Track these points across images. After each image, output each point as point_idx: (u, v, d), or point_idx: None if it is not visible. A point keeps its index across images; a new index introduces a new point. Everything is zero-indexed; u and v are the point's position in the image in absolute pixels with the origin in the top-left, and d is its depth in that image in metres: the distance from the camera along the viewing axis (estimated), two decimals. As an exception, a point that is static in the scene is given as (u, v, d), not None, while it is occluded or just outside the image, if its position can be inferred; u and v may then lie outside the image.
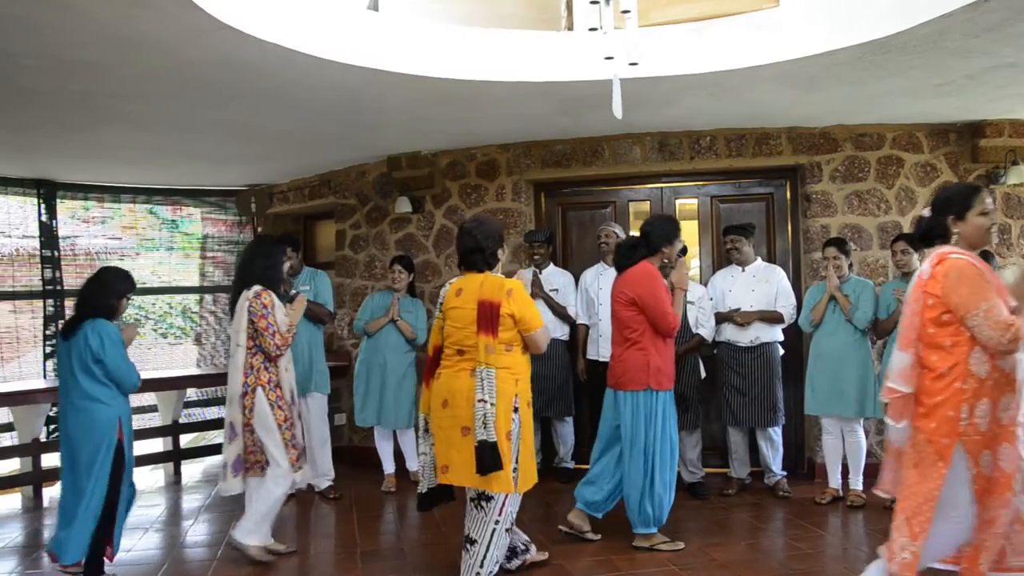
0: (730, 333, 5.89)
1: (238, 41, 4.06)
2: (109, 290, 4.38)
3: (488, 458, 3.82)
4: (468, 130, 6.44)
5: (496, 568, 4.02)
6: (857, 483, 5.64)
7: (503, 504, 3.96)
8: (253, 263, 4.79)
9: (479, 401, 3.88)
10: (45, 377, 7.56)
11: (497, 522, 3.95)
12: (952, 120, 6.25)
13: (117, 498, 4.29)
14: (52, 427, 7.44)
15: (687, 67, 4.91)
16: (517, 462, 3.96)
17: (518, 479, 3.96)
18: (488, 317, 3.99)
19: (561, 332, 6.37)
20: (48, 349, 7.69)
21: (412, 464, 6.58)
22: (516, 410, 4.00)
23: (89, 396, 4.20)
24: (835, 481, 5.75)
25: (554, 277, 6.40)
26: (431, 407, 4.12)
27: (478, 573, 3.94)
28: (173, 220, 9.01)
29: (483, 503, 3.97)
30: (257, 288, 4.68)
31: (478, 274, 4.17)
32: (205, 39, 4.02)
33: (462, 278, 4.23)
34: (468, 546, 3.99)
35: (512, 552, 4.33)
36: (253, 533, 4.66)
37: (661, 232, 4.83)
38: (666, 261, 4.87)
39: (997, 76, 5.00)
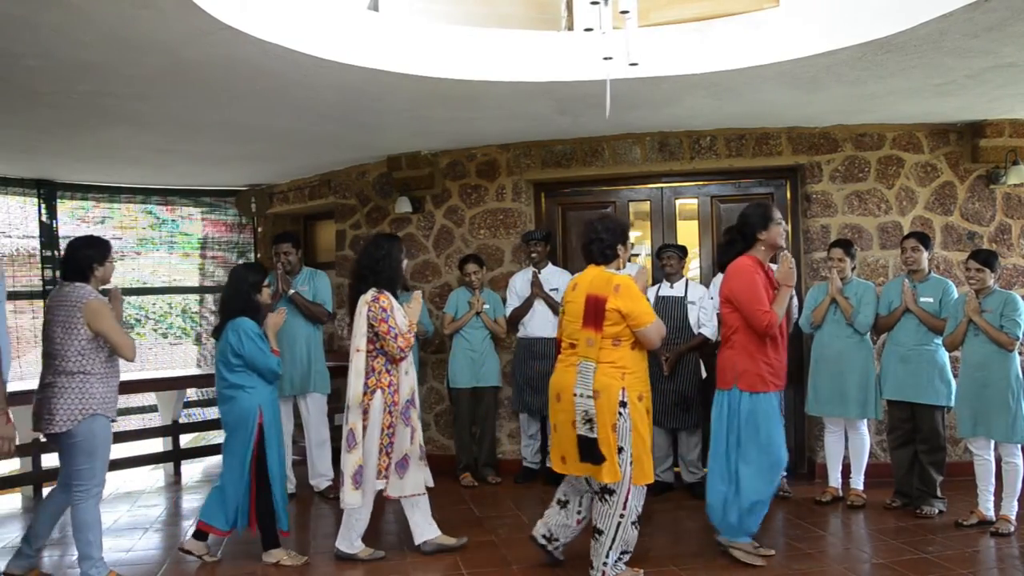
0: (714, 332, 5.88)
1: (238, 41, 4.06)
2: (242, 287, 4.72)
3: (587, 451, 4.03)
4: (468, 130, 6.44)
5: (617, 557, 4.14)
6: (858, 483, 5.64)
7: (625, 497, 4.06)
8: (378, 265, 4.67)
9: (576, 396, 4.05)
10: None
11: (622, 515, 4.07)
12: (952, 120, 6.25)
13: (266, 476, 4.61)
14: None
15: (687, 67, 4.91)
16: (631, 455, 4.06)
17: (632, 471, 4.06)
18: (593, 311, 4.09)
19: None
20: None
21: None
22: (624, 404, 4.04)
23: (232, 385, 4.62)
24: (835, 480, 5.75)
25: (553, 276, 6.40)
26: (549, 399, 4.30)
27: (604, 563, 4.08)
28: (173, 220, 9.02)
29: (607, 496, 4.08)
30: (374, 292, 4.61)
31: (594, 267, 4.27)
32: (206, 39, 4.02)
33: (581, 273, 4.37)
34: (596, 535, 4.13)
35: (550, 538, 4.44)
36: (346, 539, 4.70)
37: (752, 219, 4.56)
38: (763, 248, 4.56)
39: (997, 76, 5.00)
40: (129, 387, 7.46)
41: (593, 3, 3.75)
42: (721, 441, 4.49)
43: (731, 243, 4.72)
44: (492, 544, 4.92)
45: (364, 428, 4.52)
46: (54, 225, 7.83)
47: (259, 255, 9.05)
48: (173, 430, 7.41)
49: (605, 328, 4.06)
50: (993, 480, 5.00)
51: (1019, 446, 4.90)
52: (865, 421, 5.66)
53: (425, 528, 4.82)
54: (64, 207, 8.08)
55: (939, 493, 5.32)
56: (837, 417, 5.66)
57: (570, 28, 5.11)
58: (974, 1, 3.77)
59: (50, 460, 6.53)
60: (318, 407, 6.18)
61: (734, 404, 4.46)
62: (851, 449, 5.69)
